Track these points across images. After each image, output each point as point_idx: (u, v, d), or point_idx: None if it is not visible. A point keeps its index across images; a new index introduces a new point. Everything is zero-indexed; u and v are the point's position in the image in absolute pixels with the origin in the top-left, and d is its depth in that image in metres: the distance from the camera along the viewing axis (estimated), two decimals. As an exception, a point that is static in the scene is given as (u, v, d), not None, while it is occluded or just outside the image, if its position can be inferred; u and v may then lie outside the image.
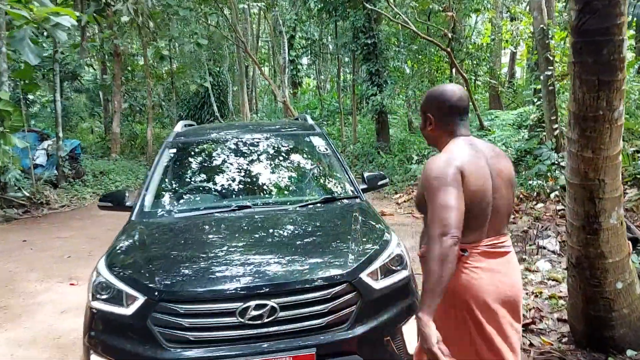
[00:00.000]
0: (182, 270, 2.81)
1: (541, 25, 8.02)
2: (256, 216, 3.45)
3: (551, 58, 8.03)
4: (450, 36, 11.25)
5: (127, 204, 3.76)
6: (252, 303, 2.58)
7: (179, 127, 4.65)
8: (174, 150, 4.21)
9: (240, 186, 3.97)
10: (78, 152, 13.26)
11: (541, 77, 8.05)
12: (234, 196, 3.88)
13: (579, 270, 3.26)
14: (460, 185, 1.88)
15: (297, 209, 3.57)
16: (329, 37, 22.99)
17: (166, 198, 3.88)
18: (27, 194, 9.72)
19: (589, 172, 3.01)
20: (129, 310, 2.66)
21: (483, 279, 1.98)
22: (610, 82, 2.80)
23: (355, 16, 13.30)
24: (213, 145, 4.34)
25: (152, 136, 15.79)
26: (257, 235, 3.21)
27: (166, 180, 4.02)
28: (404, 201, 9.81)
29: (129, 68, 18.25)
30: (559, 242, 5.90)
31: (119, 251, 3.10)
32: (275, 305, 2.59)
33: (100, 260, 2.97)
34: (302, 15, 21.95)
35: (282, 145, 4.36)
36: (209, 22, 14.27)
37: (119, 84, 15.08)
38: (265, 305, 2.59)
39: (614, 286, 3.20)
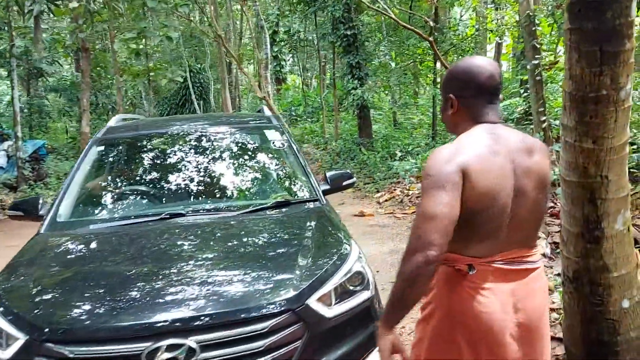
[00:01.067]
0: (79, 302, 2.20)
1: (527, 12, 7.48)
2: (189, 227, 2.84)
3: (538, 46, 7.52)
4: (432, 25, 10.67)
5: (41, 212, 3.14)
6: (164, 343, 2.00)
7: (113, 121, 4.00)
8: (102, 148, 3.60)
9: (175, 190, 3.35)
10: (43, 152, 12.55)
11: (528, 67, 7.52)
12: (165, 202, 3.27)
13: (576, 285, 2.69)
14: (459, 186, 1.54)
15: (241, 216, 2.98)
16: (311, 29, 22.35)
17: (85, 206, 3.26)
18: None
19: (589, 167, 2.43)
20: (6, 354, 2.06)
21: (493, 305, 1.61)
22: (616, 54, 2.22)
23: (334, 6, 12.69)
24: (148, 142, 3.72)
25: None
26: (183, 253, 2.58)
27: (89, 184, 3.41)
28: (386, 200, 9.24)
29: (101, 64, 17.43)
30: (549, 243, 5.36)
31: (10, 276, 2.47)
32: (194, 345, 2.01)
33: None
34: (284, 10, 21.32)
35: (231, 141, 3.75)
36: (183, 15, 13.54)
37: (88, 81, 14.29)
38: (181, 345, 2.00)
39: (620, 305, 2.63)
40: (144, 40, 16.96)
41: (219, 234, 2.78)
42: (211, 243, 2.69)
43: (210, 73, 23.36)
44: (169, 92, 24.98)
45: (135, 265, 2.48)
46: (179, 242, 2.69)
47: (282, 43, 25.16)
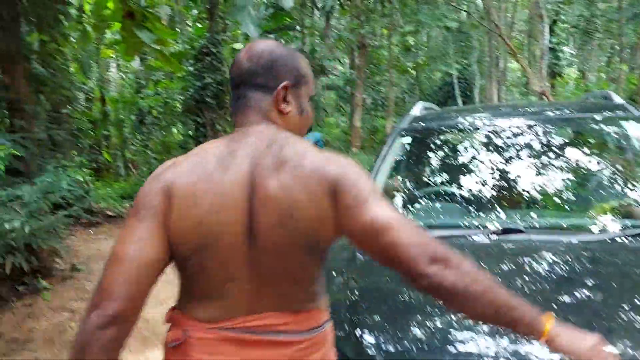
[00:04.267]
0: (406, 330, 1.62)
1: None
2: (533, 251, 2.04)
3: None
4: None
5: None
6: None
7: (416, 109, 3.43)
8: (408, 140, 3.06)
9: (505, 197, 2.57)
10: (320, 145, 13.30)
11: None
12: (491, 212, 2.52)
13: None
14: (158, 213, 1.06)
15: (615, 242, 2.06)
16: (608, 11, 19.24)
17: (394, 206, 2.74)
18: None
19: None
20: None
21: None
22: None
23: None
24: (466, 135, 3.03)
25: (391, 130, 15.14)
26: (535, 295, 1.79)
27: (396, 180, 2.90)
28: None
29: (374, 61, 17.99)
30: None
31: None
32: None
33: None
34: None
35: (578, 135, 2.81)
36: (459, 5, 12.89)
37: (362, 77, 14.79)
38: None
39: None
40: (417, 35, 16.94)
41: (589, 270, 1.90)
42: (581, 286, 1.83)
43: (476, 67, 22.27)
44: (431, 89, 24.95)
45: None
46: (524, 275, 1.90)
47: (563, 33, 22.49)
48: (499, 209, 2.51)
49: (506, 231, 2.20)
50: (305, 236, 1.07)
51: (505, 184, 2.61)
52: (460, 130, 3.06)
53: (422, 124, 3.15)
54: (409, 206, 2.72)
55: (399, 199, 2.79)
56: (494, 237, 2.19)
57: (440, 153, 3.06)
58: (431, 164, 3.00)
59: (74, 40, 6.39)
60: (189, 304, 1.13)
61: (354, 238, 1.08)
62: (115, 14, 6.24)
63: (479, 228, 2.30)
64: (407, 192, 2.84)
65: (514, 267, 1.97)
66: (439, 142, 3.10)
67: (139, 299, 1.05)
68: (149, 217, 1.06)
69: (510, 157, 2.71)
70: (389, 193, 2.82)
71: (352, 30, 13.83)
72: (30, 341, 4.06)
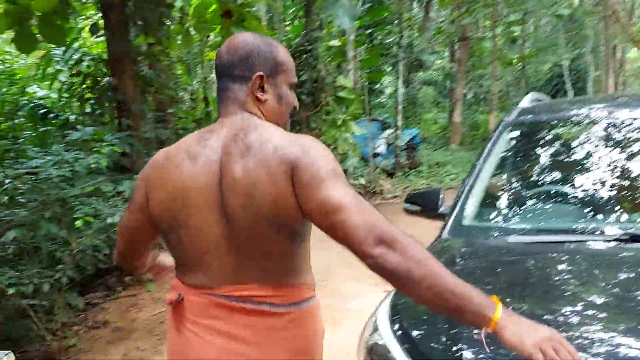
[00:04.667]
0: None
1: None
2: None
3: None
4: None
5: (441, 210, 2.53)
6: None
7: (525, 101, 3.11)
8: (517, 134, 2.76)
9: (627, 198, 2.21)
10: (417, 141, 12.96)
11: None
12: (614, 215, 2.17)
13: None
14: (139, 192, 1.32)
15: None
16: None
17: (499, 207, 2.46)
18: (364, 182, 9.70)
19: None
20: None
21: (184, 342, 1.27)
22: None
23: None
24: (582, 128, 2.67)
25: (494, 125, 14.31)
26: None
27: (501, 178, 2.62)
28: None
29: (476, 54, 17.17)
30: None
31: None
32: None
33: (382, 306, 1.80)
34: None
35: None
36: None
37: (463, 70, 14.18)
38: None
39: None
40: (523, 25, 15.94)
41: None
42: None
43: (590, 58, 20.53)
44: (538, 83, 23.70)
45: (600, 308, 1.53)
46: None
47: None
48: (620, 211, 2.17)
49: (630, 238, 1.88)
50: (268, 214, 1.15)
51: (628, 184, 2.24)
52: (575, 123, 2.71)
53: (532, 117, 2.83)
54: (517, 207, 2.44)
55: (504, 199, 2.52)
56: (614, 244, 1.89)
57: (552, 149, 2.72)
58: (542, 160, 2.67)
59: (178, 43, 6.64)
60: (180, 273, 1.31)
61: (309, 216, 1.14)
62: (215, 16, 6.41)
63: (597, 233, 2.00)
64: (514, 191, 2.56)
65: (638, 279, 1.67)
66: (550, 137, 2.76)
67: (124, 253, 1.47)
68: (133, 195, 1.35)
69: (634, 153, 2.33)
70: (494, 192, 2.57)
71: (453, 22, 13.27)
72: (133, 331, 4.25)
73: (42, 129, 6.26)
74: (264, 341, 1.22)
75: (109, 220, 3.49)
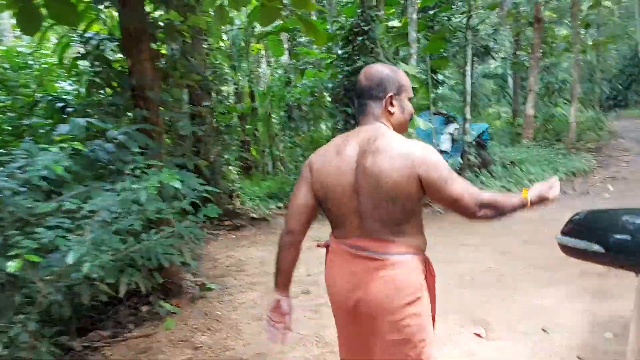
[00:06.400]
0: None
1: None
2: None
3: None
4: None
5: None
6: None
7: None
8: None
9: None
10: (486, 137, 11.44)
11: None
12: None
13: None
14: (306, 180, 1.96)
15: None
16: None
17: None
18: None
19: None
20: None
21: (335, 277, 1.97)
22: None
23: None
24: None
25: (575, 118, 12.53)
26: None
27: None
28: None
29: (549, 39, 15.33)
30: None
31: None
32: None
33: None
34: None
35: None
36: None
37: (537, 56, 12.47)
38: None
39: None
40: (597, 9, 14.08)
41: None
42: None
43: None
44: (610, 72, 21.69)
45: None
46: None
47: None
48: None
49: None
50: (387, 193, 1.79)
51: None
52: None
53: None
54: None
55: None
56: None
57: None
58: None
59: (210, 20, 5.55)
60: (332, 228, 2.00)
61: (439, 201, 1.84)
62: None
63: None
64: None
65: None
66: None
67: (294, 225, 1.98)
68: (302, 181, 1.97)
69: None
70: None
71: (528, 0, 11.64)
72: (140, 391, 3.15)
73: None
74: (370, 277, 1.86)
75: (69, 259, 2.33)
